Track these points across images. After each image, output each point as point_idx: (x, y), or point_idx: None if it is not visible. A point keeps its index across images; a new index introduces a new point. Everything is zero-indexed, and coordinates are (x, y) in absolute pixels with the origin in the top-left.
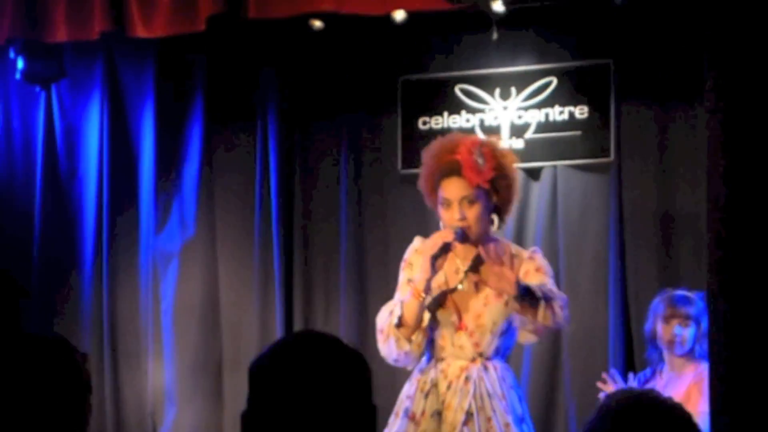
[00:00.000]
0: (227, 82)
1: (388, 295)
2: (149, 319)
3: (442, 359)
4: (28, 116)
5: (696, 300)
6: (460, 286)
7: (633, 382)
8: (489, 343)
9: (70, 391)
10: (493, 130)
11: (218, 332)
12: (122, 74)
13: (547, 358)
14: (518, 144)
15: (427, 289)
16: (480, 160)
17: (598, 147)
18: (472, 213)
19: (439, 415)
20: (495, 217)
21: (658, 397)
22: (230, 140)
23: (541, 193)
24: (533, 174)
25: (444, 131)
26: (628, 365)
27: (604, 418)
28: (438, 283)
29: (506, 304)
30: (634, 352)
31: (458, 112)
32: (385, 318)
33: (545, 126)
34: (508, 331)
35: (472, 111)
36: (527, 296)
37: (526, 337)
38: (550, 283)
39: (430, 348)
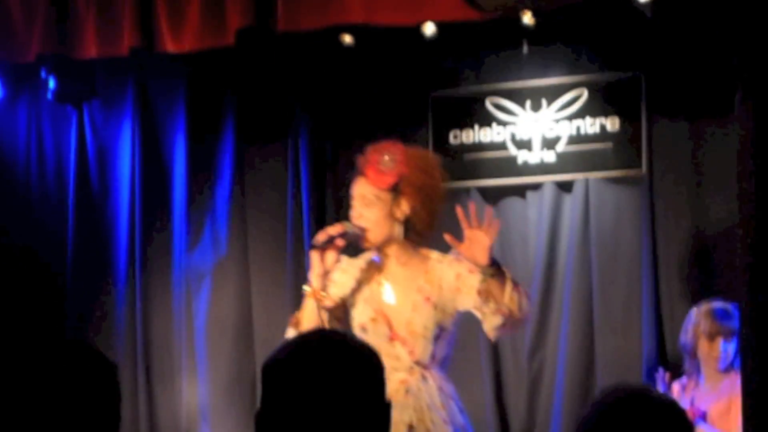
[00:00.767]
0: (258, 100)
1: None
2: (182, 337)
3: None
4: (60, 136)
5: (734, 312)
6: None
7: (676, 385)
8: (424, 350)
9: (104, 395)
10: (524, 143)
11: (251, 350)
12: (153, 93)
13: (580, 374)
14: (550, 156)
15: (323, 286)
16: (386, 164)
17: (630, 159)
18: (369, 214)
19: None
20: (397, 226)
21: (652, 392)
22: (262, 158)
23: (573, 205)
24: (565, 187)
25: (475, 145)
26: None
27: (597, 413)
28: (364, 297)
29: (435, 307)
30: (668, 363)
31: (489, 125)
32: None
33: (576, 138)
34: (441, 337)
35: (503, 124)
36: (497, 267)
37: (493, 326)
38: None
39: None
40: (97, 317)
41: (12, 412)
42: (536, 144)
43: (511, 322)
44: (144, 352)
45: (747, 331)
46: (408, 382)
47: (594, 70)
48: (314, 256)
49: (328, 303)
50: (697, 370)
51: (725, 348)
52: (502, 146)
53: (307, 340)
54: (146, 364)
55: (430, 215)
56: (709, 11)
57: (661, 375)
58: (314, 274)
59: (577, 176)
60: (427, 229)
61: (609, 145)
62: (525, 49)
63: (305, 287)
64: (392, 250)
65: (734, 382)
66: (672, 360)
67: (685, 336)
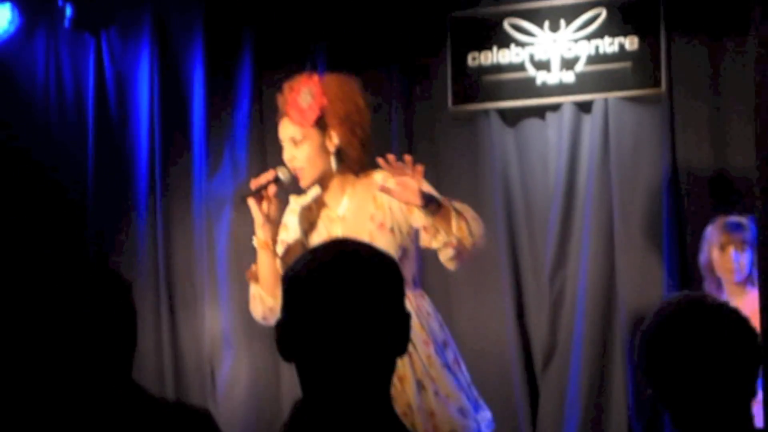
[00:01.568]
0: (276, 26)
1: None
2: (204, 264)
3: None
4: (79, 65)
5: (749, 224)
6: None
7: None
8: None
9: (119, 311)
10: (543, 64)
11: None
12: (171, 19)
13: (602, 293)
14: (569, 77)
15: (271, 235)
16: (306, 101)
17: (649, 78)
18: (300, 153)
19: None
20: (332, 158)
21: (715, 299)
22: (281, 82)
23: (593, 126)
24: (584, 107)
25: (494, 66)
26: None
27: (660, 321)
28: (319, 235)
29: (391, 231)
30: (690, 282)
31: (507, 47)
32: (253, 306)
33: (595, 58)
34: (405, 257)
35: (522, 45)
36: (434, 204)
37: (447, 258)
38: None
39: None
40: (118, 245)
41: (28, 327)
42: (555, 64)
43: (465, 251)
44: (166, 280)
45: (763, 249)
46: None
47: None
48: (252, 205)
49: (280, 250)
50: (719, 286)
51: (737, 258)
52: (520, 67)
53: (326, 247)
54: (168, 292)
55: (361, 142)
56: None
57: None
58: (258, 224)
59: (596, 96)
60: (362, 155)
61: (628, 64)
62: None
63: (254, 239)
64: (334, 184)
65: (755, 298)
66: (693, 279)
67: (702, 254)
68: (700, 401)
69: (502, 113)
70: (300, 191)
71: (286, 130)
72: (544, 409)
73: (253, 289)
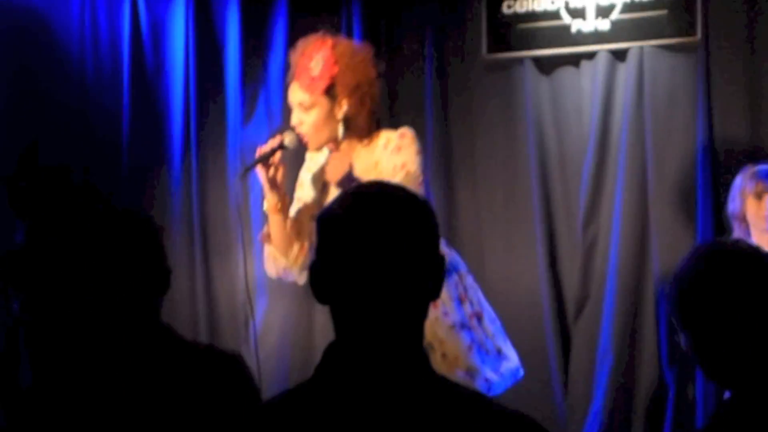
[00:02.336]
0: None
1: (475, 187)
2: (238, 213)
3: None
4: (114, 12)
5: None
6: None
7: None
8: None
9: (149, 252)
10: (578, 12)
11: None
12: None
13: (635, 244)
14: (604, 25)
15: (280, 198)
16: (317, 69)
17: (685, 26)
18: (309, 118)
19: None
20: (339, 126)
21: (749, 245)
22: (315, 29)
23: (628, 74)
24: (620, 55)
25: (528, 14)
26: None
27: (696, 265)
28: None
29: None
30: (723, 231)
31: None
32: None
33: (631, 6)
34: None
35: None
36: None
37: None
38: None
39: None
40: (153, 192)
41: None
42: (590, 12)
43: None
44: (201, 227)
45: None
46: None
47: None
48: (260, 170)
49: (296, 207)
50: (747, 235)
51: None
52: (555, 15)
53: (363, 190)
54: (203, 239)
55: (369, 111)
56: None
57: None
58: (266, 190)
59: (631, 44)
60: (370, 124)
61: (664, 12)
62: None
63: (264, 204)
64: (344, 148)
65: None
66: (726, 230)
67: (733, 203)
68: (733, 349)
69: (537, 61)
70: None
71: (296, 95)
72: (575, 358)
73: (267, 250)
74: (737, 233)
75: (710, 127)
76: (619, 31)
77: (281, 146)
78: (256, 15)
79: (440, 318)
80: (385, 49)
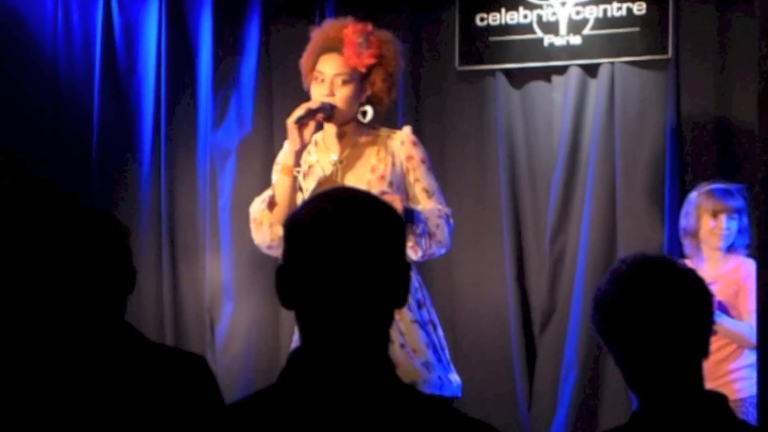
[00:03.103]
0: None
1: (446, 193)
2: (207, 215)
3: None
4: (87, 13)
5: (736, 193)
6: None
7: None
8: None
9: (115, 253)
10: (551, 27)
11: None
12: None
13: (602, 257)
14: (576, 40)
15: (297, 162)
16: (363, 44)
17: (657, 44)
18: (343, 92)
19: None
20: (369, 109)
21: (669, 259)
22: (288, 34)
23: (599, 89)
24: (591, 71)
25: (501, 28)
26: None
27: (615, 280)
28: (317, 176)
29: (390, 185)
30: None
31: (516, 9)
32: (257, 206)
33: (603, 22)
34: None
35: (530, 7)
36: (410, 222)
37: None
38: (433, 186)
39: None
40: (121, 194)
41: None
42: (563, 27)
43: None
44: (169, 228)
45: (764, 214)
46: None
47: None
48: (294, 131)
49: (302, 179)
50: (698, 251)
51: (729, 225)
52: (528, 29)
53: (328, 194)
54: (170, 242)
55: (389, 101)
56: None
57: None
58: (292, 150)
59: (602, 60)
60: (381, 114)
61: (635, 29)
62: None
63: (276, 166)
64: (349, 129)
65: (740, 266)
66: None
67: (687, 218)
68: (652, 361)
69: (509, 74)
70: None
71: (335, 66)
72: (541, 370)
73: (263, 216)
74: (688, 249)
75: (680, 143)
76: (590, 47)
77: (326, 108)
78: (230, 19)
79: (403, 311)
80: None
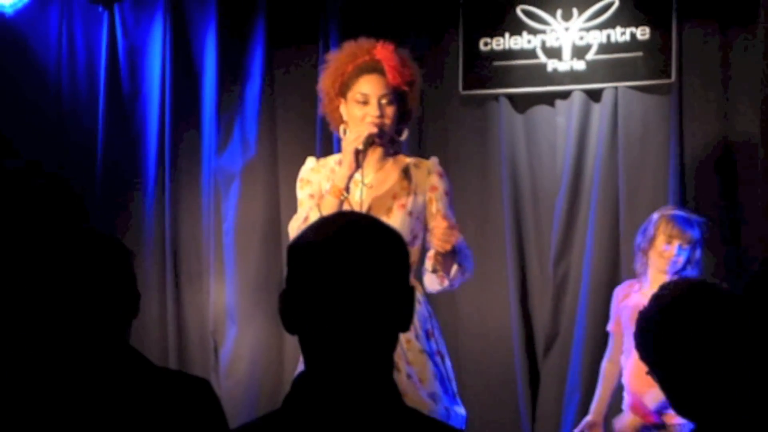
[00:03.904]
0: (289, 1)
1: None
2: (211, 239)
3: None
4: (92, 37)
5: (695, 224)
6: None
7: (620, 288)
8: None
9: (118, 275)
10: (554, 52)
11: (279, 252)
12: None
13: (606, 282)
14: (580, 65)
15: (348, 186)
16: (403, 62)
17: (660, 68)
18: (389, 112)
19: None
20: (405, 127)
21: (713, 284)
22: (292, 59)
23: (602, 114)
24: (594, 95)
25: (505, 52)
26: None
27: (661, 305)
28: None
29: (410, 214)
30: None
31: (519, 33)
32: (297, 223)
33: (607, 47)
34: (414, 244)
35: (534, 32)
36: (455, 255)
37: (432, 284)
38: (453, 219)
39: None
40: (125, 218)
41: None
42: (566, 52)
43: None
44: (172, 253)
45: None
46: None
47: None
48: (352, 156)
49: (346, 205)
50: (645, 269)
51: (680, 252)
52: (532, 54)
53: (332, 221)
54: (175, 265)
55: (414, 114)
56: None
57: None
58: (346, 174)
59: (606, 85)
60: (407, 126)
61: (639, 54)
62: None
63: (327, 185)
64: (378, 151)
65: None
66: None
67: (642, 236)
68: (701, 384)
69: (512, 99)
70: None
71: (379, 87)
72: (544, 394)
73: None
74: (637, 265)
75: (682, 168)
76: (594, 72)
77: (381, 133)
78: (234, 43)
79: (412, 340)
80: None
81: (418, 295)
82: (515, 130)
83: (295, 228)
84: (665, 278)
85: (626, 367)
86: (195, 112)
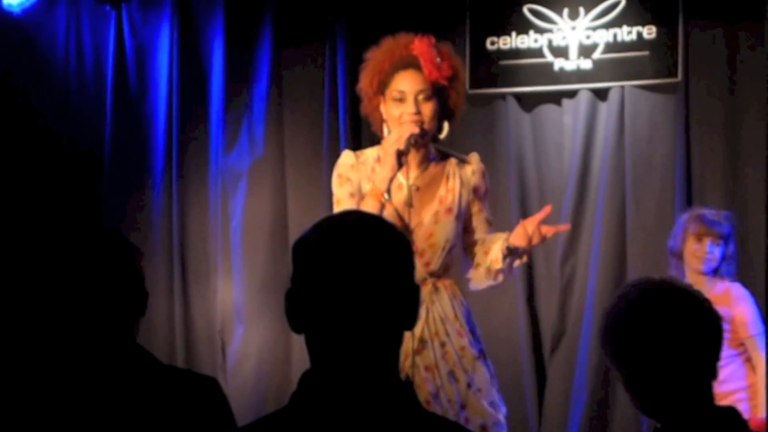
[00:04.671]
0: (296, 3)
1: None
2: (218, 238)
3: None
4: (99, 36)
5: (724, 220)
6: (386, 197)
7: None
8: (439, 260)
9: (126, 273)
10: (561, 51)
11: (286, 251)
12: None
13: (612, 281)
14: (586, 64)
15: (388, 189)
16: (438, 56)
17: (666, 67)
18: (427, 109)
19: None
20: (446, 124)
21: (678, 283)
22: (299, 60)
23: (609, 113)
24: (601, 94)
25: (512, 51)
26: None
27: (623, 304)
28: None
29: (456, 218)
30: None
31: (526, 32)
32: None
33: (613, 46)
34: (456, 246)
35: (541, 31)
36: (518, 253)
37: (480, 282)
38: (491, 218)
39: None
40: (133, 217)
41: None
42: (573, 51)
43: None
44: (180, 252)
45: None
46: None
47: None
48: (393, 158)
49: (388, 207)
50: (682, 273)
51: (712, 249)
52: (538, 53)
53: (338, 219)
54: (182, 265)
55: (461, 110)
56: None
57: None
58: (387, 177)
59: (613, 84)
60: (454, 123)
61: (645, 53)
62: None
63: (376, 189)
64: (422, 150)
65: (729, 289)
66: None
67: (674, 240)
68: (664, 383)
69: (519, 98)
70: None
71: (415, 83)
72: (551, 392)
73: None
74: (673, 269)
75: (688, 166)
76: (600, 71)
77: (422, 133)
78: (241, 43)
79: (466, 347)
80: None
81: (461, 295)
82: (522, 129)
83: None
84: (702, 279)
85: None
86: (202, 111)
